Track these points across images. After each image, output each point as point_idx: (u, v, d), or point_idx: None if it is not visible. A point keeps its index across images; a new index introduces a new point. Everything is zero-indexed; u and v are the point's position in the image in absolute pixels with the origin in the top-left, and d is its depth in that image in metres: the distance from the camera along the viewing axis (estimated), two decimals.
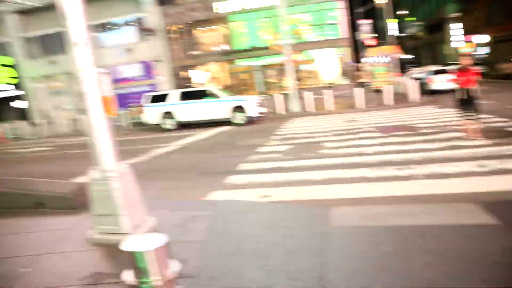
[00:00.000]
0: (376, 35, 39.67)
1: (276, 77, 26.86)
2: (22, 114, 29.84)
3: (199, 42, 27.99)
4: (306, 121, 14.79)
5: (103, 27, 28.03)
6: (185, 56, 27.74)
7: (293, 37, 18.46)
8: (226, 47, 27.30)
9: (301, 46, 24.60)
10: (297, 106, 18.41)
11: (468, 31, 42.97)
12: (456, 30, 45.55)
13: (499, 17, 36.18)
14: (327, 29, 26.02)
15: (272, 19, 24.76)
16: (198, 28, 27.75)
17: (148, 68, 27.41)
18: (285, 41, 18.09)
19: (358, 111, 16.35)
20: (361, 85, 23.96)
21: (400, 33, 62.04)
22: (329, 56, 26.52)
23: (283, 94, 19.86)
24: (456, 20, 45.20)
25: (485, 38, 39.03)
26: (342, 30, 26.00)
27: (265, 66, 27.00)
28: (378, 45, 30.16)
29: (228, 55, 27.06)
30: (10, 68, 27.66)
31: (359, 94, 17.40)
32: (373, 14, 42.43)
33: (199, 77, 28.26)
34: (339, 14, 25.85)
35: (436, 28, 48.64)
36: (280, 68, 26.33)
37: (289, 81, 18.70)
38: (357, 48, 36.78)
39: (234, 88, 27.09)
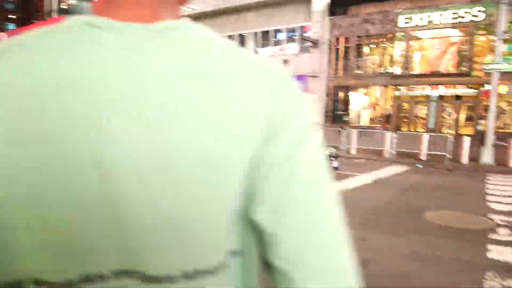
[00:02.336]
0: None
1: (456, 113, 21.06)
2: None
3: (365, 60, 23.98)
4: None
5: (263, 35, 26.49)
6: (345, 74, 24.11)
7: (507, 62, 13.04)
8: (397, 69, 22.69)
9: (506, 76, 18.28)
10: (490, 156, 13.03)
11: None
12: None
13: None
14: None
15: (471, 37, 19.35)
16: (368, 44, 23.77)
17: (302, 84, 24.53)
18: (496, 66, 12.92)
19: None
20: None
21: None
22: None
23: (468, 136, 14.47)
24: None
25: None
26: None
27: (442, 98, 21.49)
28: None
29: (397, 79, 22.34)
30: None
31: None
32: None
33: (357, 101, 24.27)
34: None
35: None
36: (467, 102, 20.70)
37: (490, 120, 13.36)
38: None
39: (394, 120, 22.30)
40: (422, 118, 22.33)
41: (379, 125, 22.40)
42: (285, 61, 24.86)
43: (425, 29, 21.33)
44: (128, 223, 0.46)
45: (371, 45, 23.68)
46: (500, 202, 7.56)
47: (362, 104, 24.24)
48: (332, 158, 10.08)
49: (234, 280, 0.52)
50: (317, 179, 0.53)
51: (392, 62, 22.82)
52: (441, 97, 21.46)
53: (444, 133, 16.32)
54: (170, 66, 0.48)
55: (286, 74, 0.56)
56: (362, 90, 24.21)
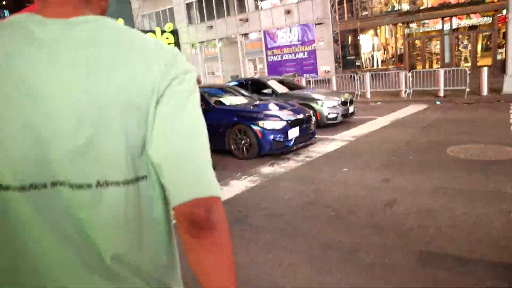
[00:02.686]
0: None
1: (473, 44, 20.13)
2: None
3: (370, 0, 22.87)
4: None
5: None
6: (351, 17, 23.14)
7: None
8: (405, 6, 21.61)
9: None
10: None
11: None
12: None
13: None
14: None
15: None
16: None
17: (307, 32, 23.75)
18: None
19: None
20: None
21: None
22: None
23: (487, 67, 13.80)
24: None
25: None
26: None
27: (456, 30, 20.50)
28: None
29: (406, 16, 21.31)
30: (170, 34, 27.68)
31: None
32: None
33: (367, 44, 23.43)
34: None
35: None
36: (483, 31, 19.75)
37: (509, 47, 12.71)
38: None
39: (407, 59, 21.55)
40: (436, 54, 21.51)
41: (392, 66, 21.72)
42: (288, 12, 23.96)
43: None
44: (55, 147, 0.72)
45: None
46: None
47: (372, 47, 23.42)
48: (347, 104, 9.83)
49: (141, 192, 0.78)
50: (192, 129, 0.77)
51: None
52: (454, 30, 20.50)
53: (461, 67, 15.70)
54: (80, 46, 0.73)
55: (174, 53, 0.81)
56: (370, 32, 23.31)
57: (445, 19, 20.31)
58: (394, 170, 5.55)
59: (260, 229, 3.92)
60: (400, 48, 22.20)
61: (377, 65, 23.08)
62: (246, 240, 3.69)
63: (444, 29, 20.58)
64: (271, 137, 6.76)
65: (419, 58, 21.95)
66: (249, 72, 27.25)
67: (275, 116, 7.05)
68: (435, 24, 20.97)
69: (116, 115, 0.73)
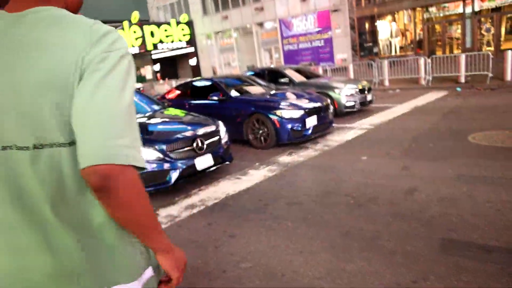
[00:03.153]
0: None
1: (496, 28, 19.50)
2: (194, 72, 30.18)
3: None
4: None
5: None
6: (368, 3, 22.69)
7: None
8: None
9: None
10: None
11: None
12: None
13: None
14: None
15: None
16: None
17: (323, 20, 23.42)
18: None
19: None
20: None
21: None
22: None
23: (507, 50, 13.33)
24: None
25: None
26: None
27: (478, 13, 19.87)
28: None
29: (425, 0, 20.77)
30: (185, 25, 27.72)
31: None
32: None
33: (384, 30, 22.98)
34: None
35: None
36: (508, 13, 19.10)
37: None
38: None
39: (426, 45, 21.05)
40: (457, 38, 20.92)
41: (411, 53, 21.26)
42: None
43: None
44: (4, 117, 0.89)
45: None
46: None
47: (390, 33, 22.94)
48: (365, 92, 9.72)
49: (68, 155, 0.91)
50: (101, 106, 0.85)
51: None
52: (476, 13, 19.87)
53: (483, 51, 15.25)
54: (18, 33, 0.90)
55: (102, 32, 0.91)
56: (388, 18, 22.81)
57: (467, 1, 19.69)
58: (414, 158, 5.48)
59: (280, 218, 3.95)
60: (420, 34, 21.67)
61: (396, 52, 22.61)
62: (267, 228, 3.73)
63: (466, 12, 19.97)
64: (289, 126, 6.75)
65: (439, 43, 21.38)
66: (265, 62, 27.11)
67: (293, 104, 7.03)
68: (456, 7, 20.34)
69: (47, 90, 0.86)
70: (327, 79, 10.79)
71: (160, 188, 4.74)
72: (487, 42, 19.96)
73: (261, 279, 2.88)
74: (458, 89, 12.22)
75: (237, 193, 4.85)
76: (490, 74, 12.45)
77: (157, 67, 30.26)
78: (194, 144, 5.05)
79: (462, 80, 13.02)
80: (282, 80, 10.23)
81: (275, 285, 2.81)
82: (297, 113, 6.86)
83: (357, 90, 9.55)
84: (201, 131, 5.26)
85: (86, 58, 0.87)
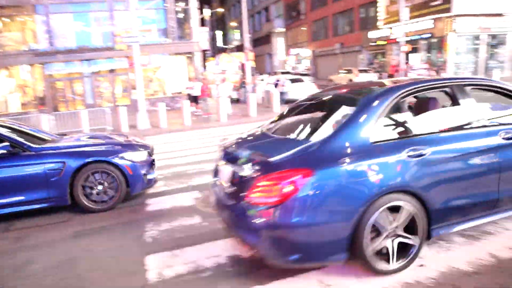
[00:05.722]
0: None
1: (112, 86, 21.99)
2: None
3: (2, 36, 20.62)
4: (167, 141, 11.29)
5: None
6: None
7: (141, 36, 14.49)
8: (36, 46, 20.86)
9: (146, 48, 20.03)
10: (146, 121, 14.49)
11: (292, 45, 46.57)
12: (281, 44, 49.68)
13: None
14: (172, 31, 22.60)
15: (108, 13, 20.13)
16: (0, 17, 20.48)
17: None
18: (133, 40, 14.04)
19: (220, 124, 13.83)
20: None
21: (225, 44, 63.08)
22: (175, 62, 22.90)
23: (121, 106, 15.35)
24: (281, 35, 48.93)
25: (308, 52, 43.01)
26: (191, 34, 23.11)
27: (95, 73, 21.78)
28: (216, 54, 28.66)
29: (44, 56, 20.69)
30: None
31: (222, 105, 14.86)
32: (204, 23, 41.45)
33: (1, 85, 20.93)
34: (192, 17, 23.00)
35: (263, 41, 51.58)
36: (120, 75, 21.85)
37: (139, 90, 14.67)
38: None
39: (52, 101, 21.08)
40: (80, 95, 22.04)
41: (34, 109, 20.46)
42: None
43: None
44: None
45: (4, 19, 20.69)
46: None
47: (8, 88, 21.23)
48: None
49: None
50: None
51: (29, 38, 20.87)
52: (94, 72, 21.75)
53: (103, 107, 16.77)
54: None
55: None
56: (4, 72, 21.09)
57: (85, 61, 21.23)
58: None
59: None
60: (43, 90, 21.28)
61: (17, 109, 21.11)
62: None
63: (85, 71, 21.47)
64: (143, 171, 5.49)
65: (63, 99, 21.83)
66: None
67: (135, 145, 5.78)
68: (77, 67, 21.48)
69: None
70: None
71: None
72: (106, 98, 22.18)
73: None
74: None
75: None
76: (110, 127, 13.86)
77: None
78: None
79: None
80: None
81: None
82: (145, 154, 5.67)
83: None
84: None
85: None
